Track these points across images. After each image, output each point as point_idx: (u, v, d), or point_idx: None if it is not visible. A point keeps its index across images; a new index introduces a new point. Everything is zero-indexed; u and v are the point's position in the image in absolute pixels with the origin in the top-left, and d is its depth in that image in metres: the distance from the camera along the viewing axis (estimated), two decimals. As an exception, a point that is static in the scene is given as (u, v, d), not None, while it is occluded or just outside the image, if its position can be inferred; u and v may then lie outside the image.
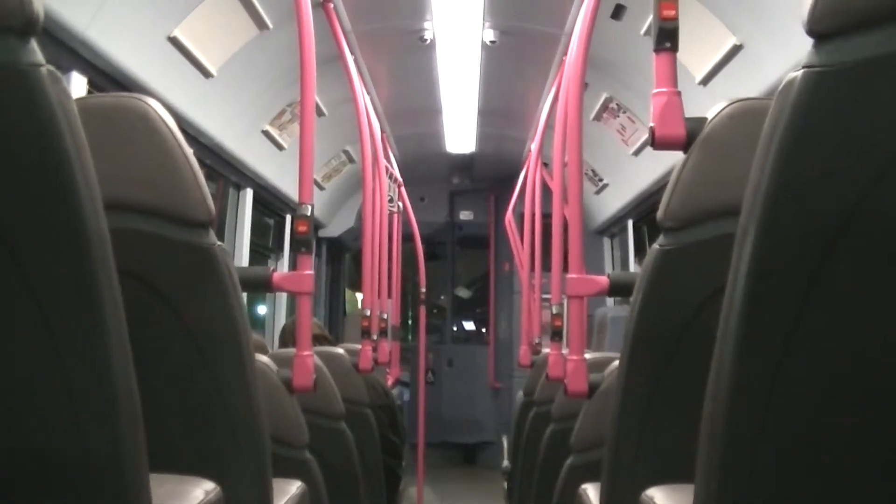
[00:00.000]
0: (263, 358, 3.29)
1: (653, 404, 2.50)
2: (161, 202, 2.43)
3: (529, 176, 7.39)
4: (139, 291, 2.37)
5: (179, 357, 2.47)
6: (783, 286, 1.42)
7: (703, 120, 2.42)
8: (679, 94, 2.56)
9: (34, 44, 1.39)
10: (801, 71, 1.36)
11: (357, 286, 12.03)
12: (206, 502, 2.06)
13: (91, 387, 1.46)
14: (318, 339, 5.77)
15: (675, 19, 2.58)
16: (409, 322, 14.20)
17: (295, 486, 3.10)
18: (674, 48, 2.61)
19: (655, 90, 2.57)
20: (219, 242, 2.48)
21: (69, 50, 3.94)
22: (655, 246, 2.46)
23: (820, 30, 1.35)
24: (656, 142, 2.51)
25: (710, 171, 2.38)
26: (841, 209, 1.36)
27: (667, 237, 2.44)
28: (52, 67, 1.41)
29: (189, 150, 2.48)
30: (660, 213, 2.44)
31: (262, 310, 8.94)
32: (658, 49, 2.62)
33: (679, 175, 2.42)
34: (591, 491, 2.99)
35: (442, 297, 13.48)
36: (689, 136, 2.44)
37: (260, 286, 3.49)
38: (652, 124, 2.51)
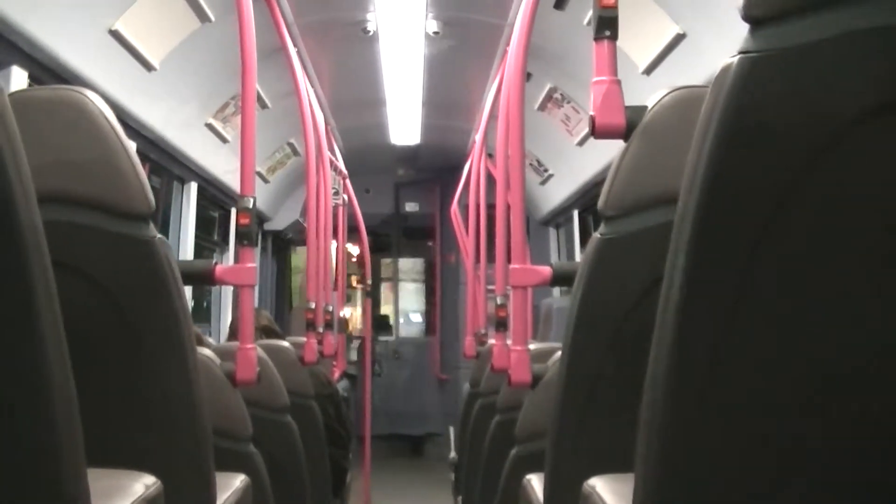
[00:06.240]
0: (206, 351, 3.27)
1: (594, 394, 2.50)
2: (100, 195, 2.41)
3: (474, 166, 7.39)
4: (78, 284, 2.35)
5: (119, 350, 2.45)
6: (721, 272, 1.42)
7: (643, 108, 2.42)
8: (619, 82, 2.55)
9: None
10: (737, 56, 1.36)
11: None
12: (146, 497, 2.04)
13: (25, 379, 1.44)
14: (267, 332, 5.77)
15: (614, 7, 2.57)
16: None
17: (238, 480, 3.08)
18: (613, 36, 2.61)
19: (595, 79, 2.57)
20: (159, 235, 2.47)
21: (9, 44, 3.90)
22: (596, 235, 2.46)
23: (756, 15, 1.35)
24: (596, 130, 2.51)
25: (650, 159, 2.39)
26: (777, 193, 1.36)
27: (607, 226, 2.44)
28: None
29: (129, 143, 2.47)
30: (600, 202, 2.45)
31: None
32: (598, 37, 2.62)
33: (619, 164, 2.42)
34: (535, 481, 2.99)
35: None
36: (630, 125, 2.45)
37: (202, 279, 3.47)
38: (592, 113, 2.51)
